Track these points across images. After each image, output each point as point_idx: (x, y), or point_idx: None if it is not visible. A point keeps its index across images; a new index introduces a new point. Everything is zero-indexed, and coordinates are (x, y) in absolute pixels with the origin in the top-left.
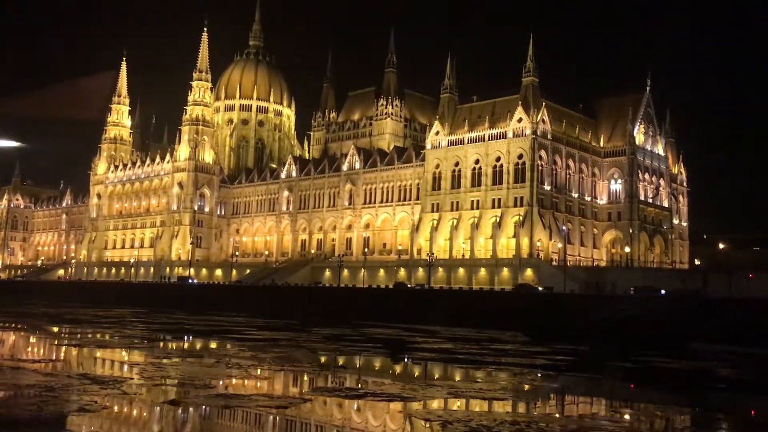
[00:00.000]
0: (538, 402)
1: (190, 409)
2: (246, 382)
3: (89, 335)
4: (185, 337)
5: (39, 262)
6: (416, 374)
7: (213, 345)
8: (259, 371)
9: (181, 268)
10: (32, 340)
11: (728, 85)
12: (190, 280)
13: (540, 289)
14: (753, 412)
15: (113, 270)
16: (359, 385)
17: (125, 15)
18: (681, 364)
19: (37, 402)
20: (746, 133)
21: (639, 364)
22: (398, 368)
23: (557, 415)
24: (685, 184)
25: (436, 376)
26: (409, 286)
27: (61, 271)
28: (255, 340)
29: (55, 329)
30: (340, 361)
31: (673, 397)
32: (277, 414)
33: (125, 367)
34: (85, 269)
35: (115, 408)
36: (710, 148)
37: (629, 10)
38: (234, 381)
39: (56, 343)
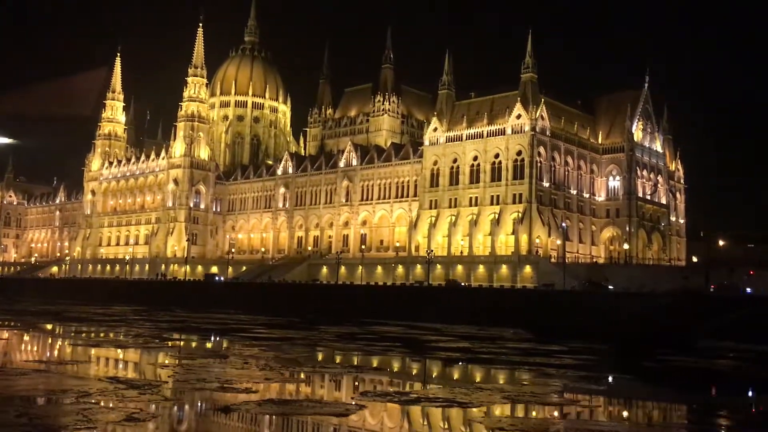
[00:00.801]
0: (603, 407)
1: (247, 417)
2: (287, 386)
3: (101, 334)
4: (199, 336)
5: (33, 260)
6: (455, 376)
7: (233, 345)
8: (293, 373)
9: (176, 265)
10: (49, 340)
11: (725, 81)
12: (216, 278)
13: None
14: None
15: (108, 267)
16: (407, 389)
17: (119, 11)
18: (706, 364)
19: (80, 410)
20: (743, 130)
21: (662, 363)
22: (434, 370)
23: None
24: (682, 180)
25: (478, 379)
26: (464, 284)
27: (54, 269)
28: (270, 339)
29: (63, 328)
30: (374, 362)
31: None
32: (339, 423)
33: (154, 369)
34: (80, 266)
35: (167, 416)
36: (707, 145)
37: (626, 5)
38: (274, 384)
39: (71, 343)
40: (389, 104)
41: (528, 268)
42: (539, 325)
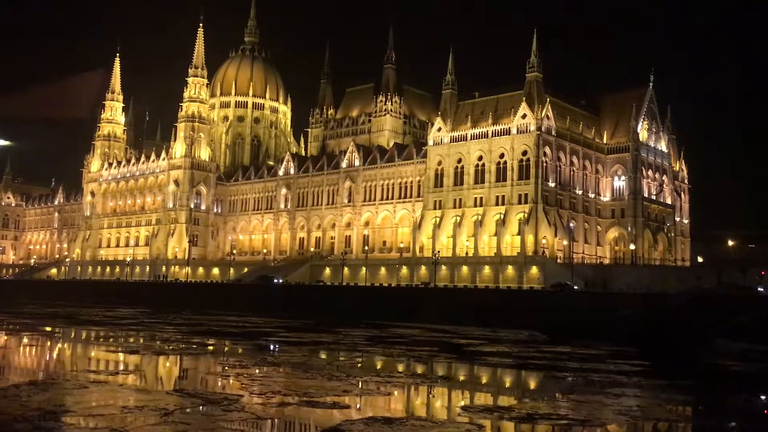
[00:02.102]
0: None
1: None
2: (373, 399)
3: (131, 339)
4: (231, 341)
5: (32, 261)
6: (532, 386)
7: (274, 350)
8: (364, 383)
9: (177, 266)
10: (80, 347)
11: (729, 80)
12: (276, 280)
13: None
14: None
15: (108, 269)
16: (504, 403)
17: (118, 12)
18: (752, 367)
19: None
20: (746, 130)
21: (712, 368)
22: (506, 379)
23: None
24: (686, 181)
25: (560, 390)
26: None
27: (53, 270)
28: (305, 344)
29: (85, 333)
30: (437, 370)
31: None
32: None
33: (215, 379)
34: (79, 268)
35: None
36: (711, 145)
37: (630, 5)
38: (361, 398)
39: (107, 350)
40: (391, 104)
41: (534, 269)
42: (553, 327)
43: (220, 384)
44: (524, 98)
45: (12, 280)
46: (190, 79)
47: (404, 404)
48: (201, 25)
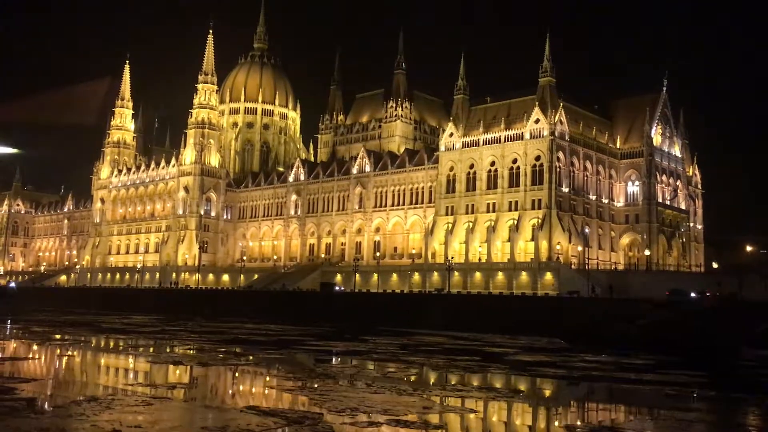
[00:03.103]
0: None
1: None
2: (466, 417)
3: (167, 349)
4: (264, 350)
5: (42, 268)
6: (613, 400)
7: (315, 360)
8: (442, 399)
9: (187, 273)
10: (120, 358)
11: (741, 85)
12: (337, 288)
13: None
14: None
15: (117, 275)
16: (615, 424)
17: (127, 19)
18: None
19: None
20: (759, 135)
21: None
22: (579, 394)
23: None
24: (699, 186)
25: (646, 406)
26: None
27: (63, 277)
28: (343, 354)
29: (115, 342)
30: (494, 383)
31: None
32: None
33: (285, 394)
34: (89, 275)
35: None
36: (723, 151)
37: (639, 8)
38: (450, 417)
39: (149, 360)
40: (402, 110)
41: (549, 275)
42: (574, 334)
43: (290, 400)
44: (537, 103)
45: (23, 288)
46: (200, 86)
47: (501, 423)
48: (211, 31)
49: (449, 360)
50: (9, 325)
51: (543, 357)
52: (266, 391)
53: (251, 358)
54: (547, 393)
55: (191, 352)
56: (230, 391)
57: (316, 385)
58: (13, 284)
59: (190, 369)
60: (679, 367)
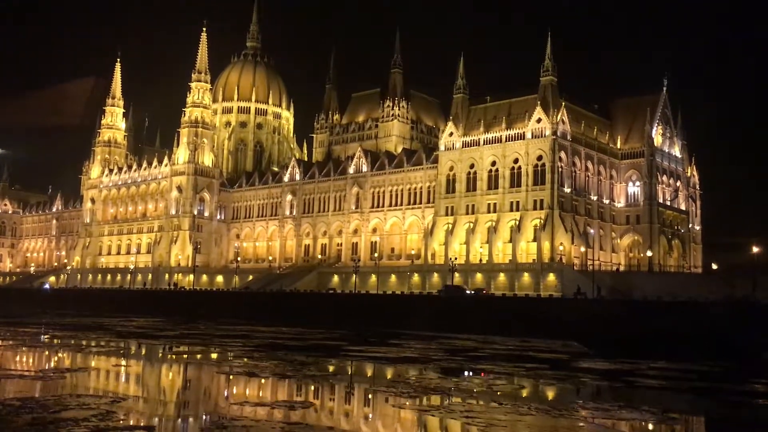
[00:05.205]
0: None
1: None
2: None
3: (197, 356)
4: (309, 356)
5: (32, 269)
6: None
7: (380, 369)
8: (556, 416)
9: (180, 274)
10: (162, 366)
11: (741, 85)
12: (468, 292)
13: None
14: None
15: (109, 276)
16: None
17: (117, 18)
18: None
19: None
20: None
21: None
22: (711, 409)
23: None
24: (697, 186)
25: None
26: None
27: (52, 278)
28: (390, 360)
29: (148, 348)
30: (627, 398)
31: None
32: None
33: (423, 416)
34: (79, 276)
35: None
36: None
37: (635, 9)
38: None
39: (221, 371)
40: (399, 109)
41: (552, 276)
42: (596, 339)
43: (438, 424)
44: (539, 102)
45: (14, 288)
46: (193, 84)
47: None
48: (204, 29)
49: (518, 367)
50: (20, 329)
51: (607, 364)
52: (401, 414)
53: (319, 367)
54: (711, 414)
55: (245, 360)
56: (360, 414)
57: (438, 403)
58: (47, 286)
59: (287, 384)
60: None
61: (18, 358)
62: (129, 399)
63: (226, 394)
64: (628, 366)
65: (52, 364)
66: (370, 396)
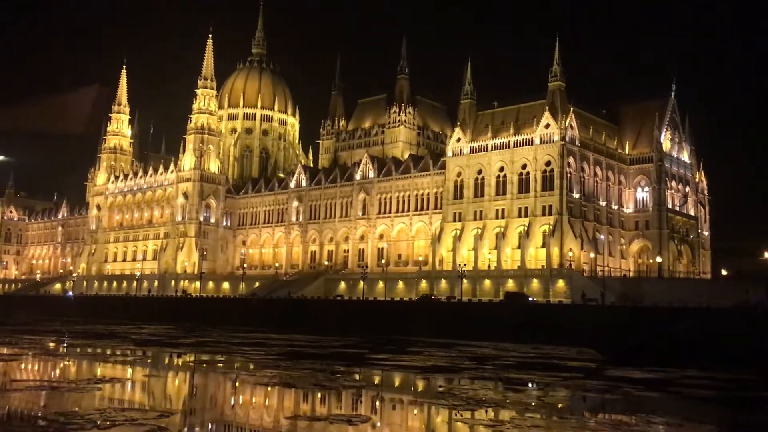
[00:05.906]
0: None
1: None
2: None
3: (234, 365)
4: (343, 364)
5: (37, 276)
6: None
7: (423, 381)
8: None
9: (186, 281)
10: (219, 378)
11: (748, 90)
12: (530, 299)
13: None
14: None
15: (115, 283)
16: None
17: (123, 25)
18: None
19: None
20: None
21: None
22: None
23: None
24: (706, 192)
25: None
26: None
27: (57, 285)
28: (420, 369)
29: (180, 359)
30: (699, 413)
31: None
32: None
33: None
34: (85, 283)
35: None
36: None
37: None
38: None
39: (273, 383)
40: (405, 115)
41: (561, 283)
42: (615, 345)
43: None
44: (547, 107)
45: (20, 296)
46: (199, 91)
47: None
48: (210, 36)
49: (553, 376)
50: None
51: (639, 373)
52: (474, 429)
53: (352, 377)
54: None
55: (273, 370)
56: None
57: (505, 417)
58: (70, 293)
59: (329, 395)
60: None
61: (44, 368)
62: (176, 414)
63: (276, 408)
64: (660, 374)
65: (83, 374)
66: (425, 408)
